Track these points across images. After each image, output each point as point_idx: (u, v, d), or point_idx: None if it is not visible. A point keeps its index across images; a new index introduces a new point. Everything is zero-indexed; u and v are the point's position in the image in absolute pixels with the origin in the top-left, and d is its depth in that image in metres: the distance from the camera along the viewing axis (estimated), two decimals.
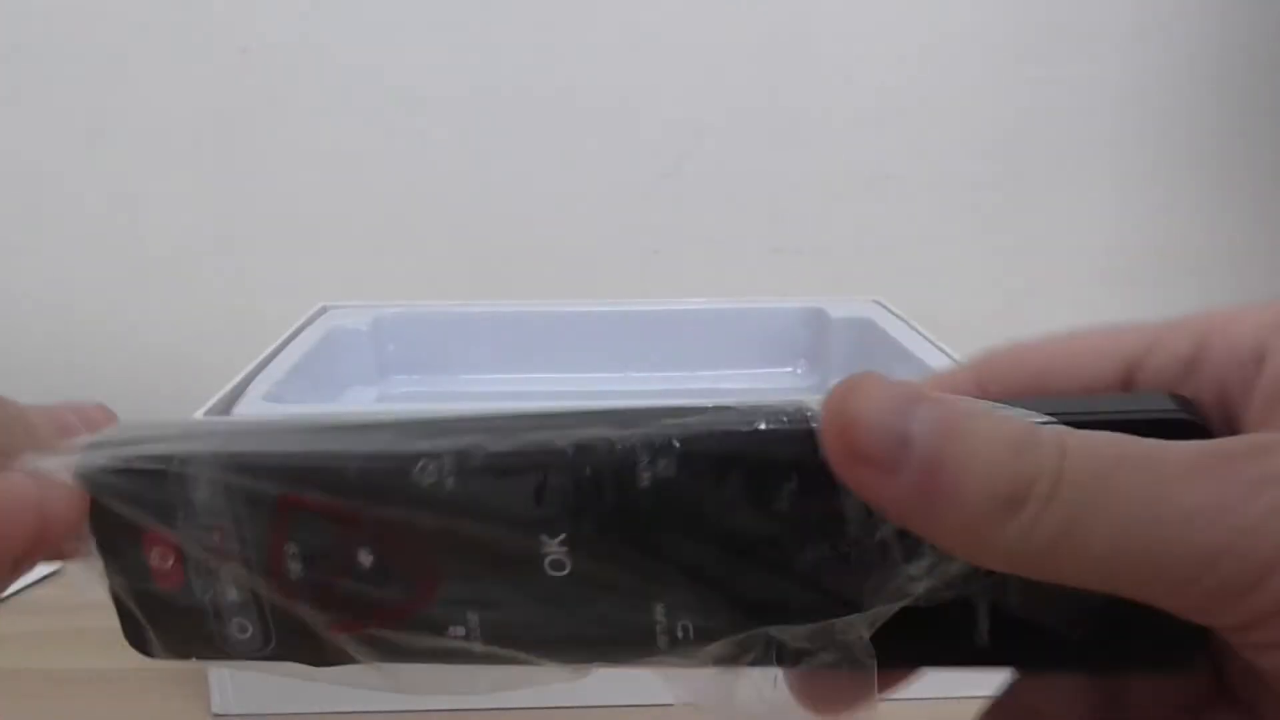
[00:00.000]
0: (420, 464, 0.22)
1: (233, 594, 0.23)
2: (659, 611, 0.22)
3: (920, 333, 0.57)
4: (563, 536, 0.22)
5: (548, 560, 0.22)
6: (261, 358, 0.53)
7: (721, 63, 0.79)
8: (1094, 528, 0.18)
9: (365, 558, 0.23)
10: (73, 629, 0.52)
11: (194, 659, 0.24)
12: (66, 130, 0.77)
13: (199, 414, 0.45)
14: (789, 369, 0.63)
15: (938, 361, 0.52)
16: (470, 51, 0.78)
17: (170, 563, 0.23)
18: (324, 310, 0.62)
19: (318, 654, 0.23)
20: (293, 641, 0.23)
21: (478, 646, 0.22)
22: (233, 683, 0.46)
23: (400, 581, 0.22)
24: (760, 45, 0.79)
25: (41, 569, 0.57)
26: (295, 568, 0.23)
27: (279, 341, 0.55)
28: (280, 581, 0.23)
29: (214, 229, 0.80)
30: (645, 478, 0.21)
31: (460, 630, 0.22)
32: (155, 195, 0.79)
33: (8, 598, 0.55)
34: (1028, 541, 0.18)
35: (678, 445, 0.21)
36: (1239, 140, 0.81)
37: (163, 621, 0.24)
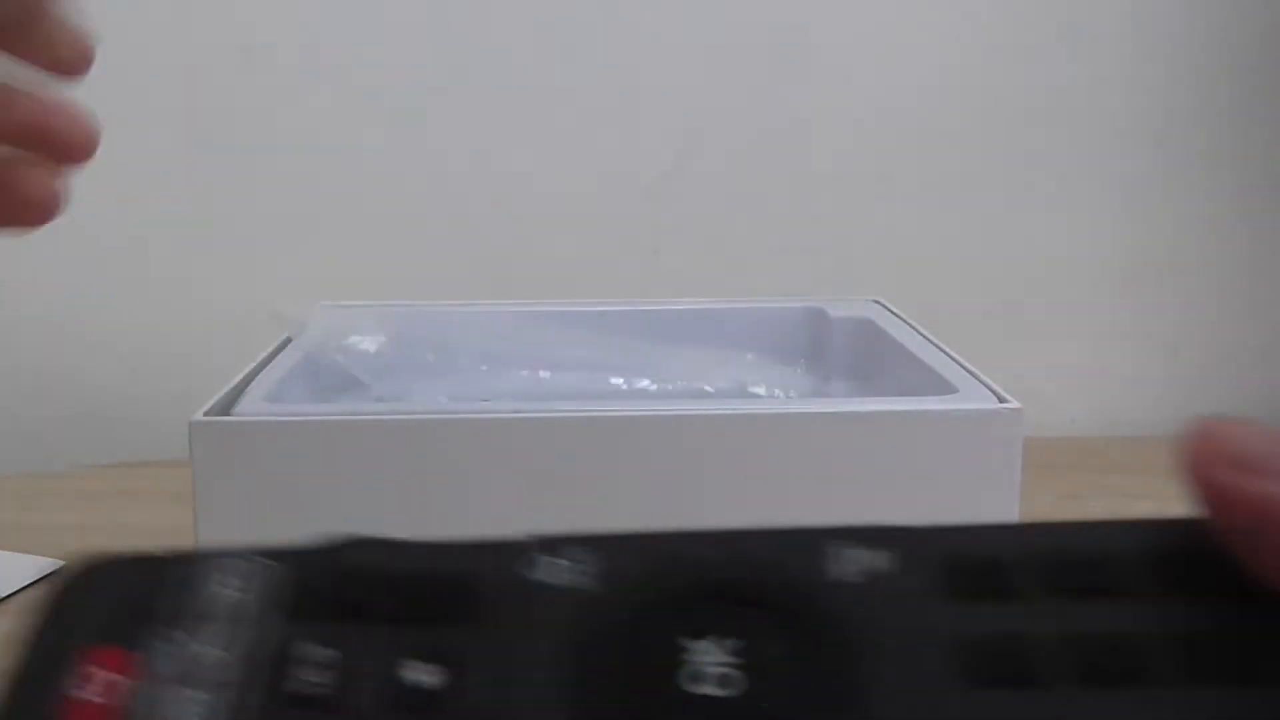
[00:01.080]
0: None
1: None
2: None
3: (920, 333, 0.57)
4: None
5: None
6: (261, 358, 0.53)
7: (722, 63, 0.79)
8: None
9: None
10: None
11: None
12: None
13: (199, 414, 0.45)
14: (789, 369, 0.63)
15: (938, 361, 0.52)
16: (471, 51, 0.78)
17: (113, 693, 0.16)
18: (324, 310, 0.62)
19: None
20: None
21: None
22: None
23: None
24: (761, 45, 0.79)
25: (41, 569, 0.57)
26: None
27: (279, 341, 0.55)
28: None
29: (214, 228, 0.79)
30: None
31: None
32: (155, 194, 0.79)
33: (7, 598, 0.55)
34: None
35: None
36: (1240, 142, 0.81)
37: None
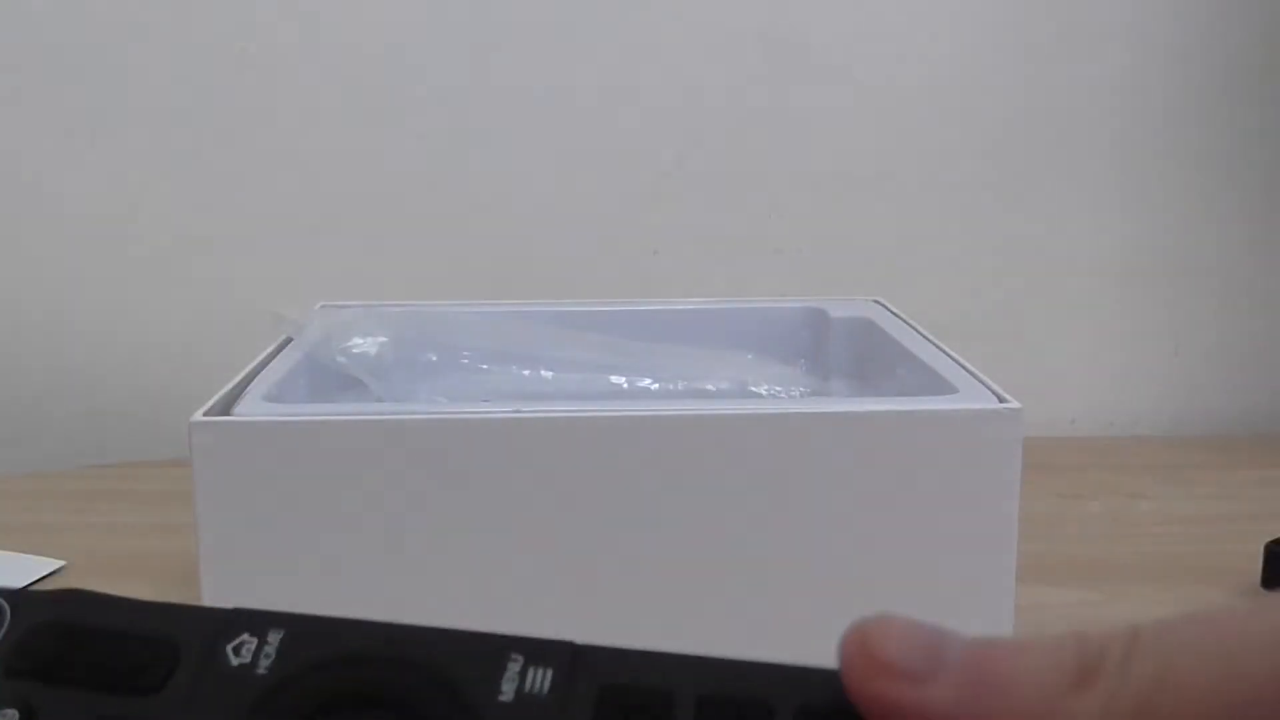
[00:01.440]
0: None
1: None
2: None
3: (920, 333, 0.57)
4: None
5: None
6: (261, 357, 0.53)
7: (721, 62, 0.79)
8: (1193, 667, 0.16)
9: None
10: None
11: None
12: (65, 129, 0.77)
13: (199, 414, 0.45)
14: (789, 369, 0.63)
15: (938, 361, 0.52)
16: (469, 51, 0.78)
17: None
18: (324, 310, 0.62)
19: None
20: None
21: None
22: None
23: None
24: (760, 44, 0.79)
25: (41, 568, 0.57)
26: None
27: (279, 341, 0.55)
28: None
29: (213, 228, 0.79)
30: None
31: None
32: (154, 194, 0.79)
33: None
34: (1114, 704, 0.16)
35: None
36: (1240, 139, 0.81)
37: None
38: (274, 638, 0.18)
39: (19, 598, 0.19)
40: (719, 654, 0.18)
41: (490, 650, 0.18)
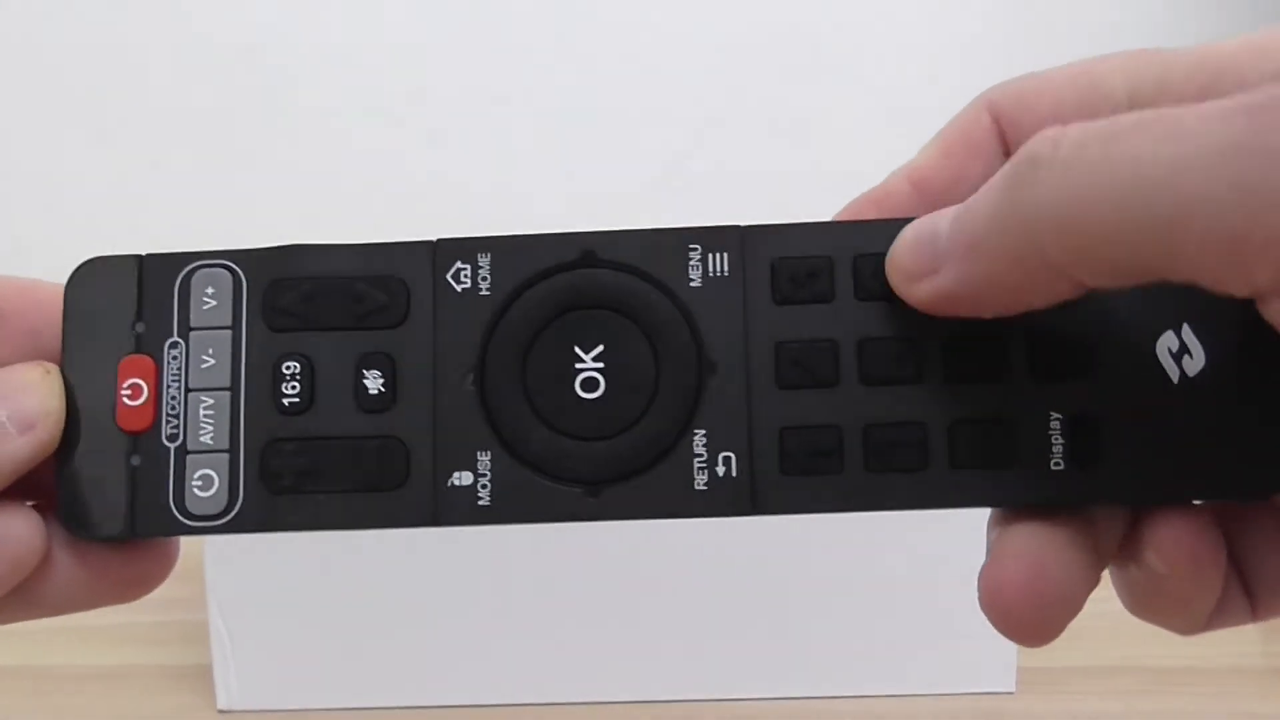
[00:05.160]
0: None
1: (208, 434, 0.20)
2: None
3: None
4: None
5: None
6: None
7: (727, 63, 0.79)
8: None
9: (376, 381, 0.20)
10: (76, 625, 0.52)
11: (137, 535, 0.20)
12: (71, 129, 0.77)
13: None
14: None
15: None
16: (473, 52, 0.78)
17: (144, 397, 0.20)
18: None
19: (287, 515, 0.20)
20: (261, 499, 0.20)
21: (485, 498, 0.20)
22: (238, 679, 0.46)
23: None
24: (766, 46, 0.79)
25: None
26: (304, 394, 0.20)
27: None
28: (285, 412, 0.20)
29: (219, 228, 0.80)
30: None
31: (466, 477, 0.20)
32: (159, 194, 0.79)
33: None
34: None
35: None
36: None
37: (110, 481, 0.20)
38: (484, 260, 0.22)
39: (243, 258, 0.22)
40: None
41: (673, 243, 0.21)
